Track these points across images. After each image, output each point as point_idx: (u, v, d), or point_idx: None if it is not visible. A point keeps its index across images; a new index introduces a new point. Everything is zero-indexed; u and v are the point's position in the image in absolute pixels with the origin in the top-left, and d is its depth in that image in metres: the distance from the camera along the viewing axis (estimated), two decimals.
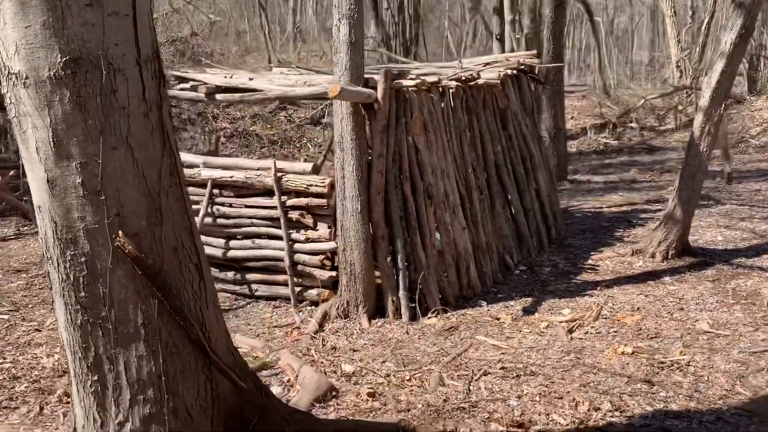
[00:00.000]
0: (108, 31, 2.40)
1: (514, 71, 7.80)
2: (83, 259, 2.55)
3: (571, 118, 19.89)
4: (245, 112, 16.40)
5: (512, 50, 10.98)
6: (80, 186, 2.47)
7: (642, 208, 9.72)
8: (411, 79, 5.85)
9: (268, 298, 6.34)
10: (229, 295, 6.51)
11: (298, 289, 6.14)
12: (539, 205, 7.99)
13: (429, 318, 5.77)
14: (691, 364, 4.58)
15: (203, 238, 6.43)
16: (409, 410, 4.05)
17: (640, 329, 5.29)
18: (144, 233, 2.59)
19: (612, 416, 3.89)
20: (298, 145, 15.51)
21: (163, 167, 2.62)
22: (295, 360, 4.77)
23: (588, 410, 3.96)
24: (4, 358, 5.07)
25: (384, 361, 4.91)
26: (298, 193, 5.99)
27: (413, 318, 5.76)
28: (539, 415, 3.94)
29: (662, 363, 4.61)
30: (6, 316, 6.07)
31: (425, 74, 6.79)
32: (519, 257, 7.36)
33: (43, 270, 7.53)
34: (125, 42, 2.45)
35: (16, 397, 4.40)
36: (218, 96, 6.30)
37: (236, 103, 7.02)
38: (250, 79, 6.39)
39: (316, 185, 5.86)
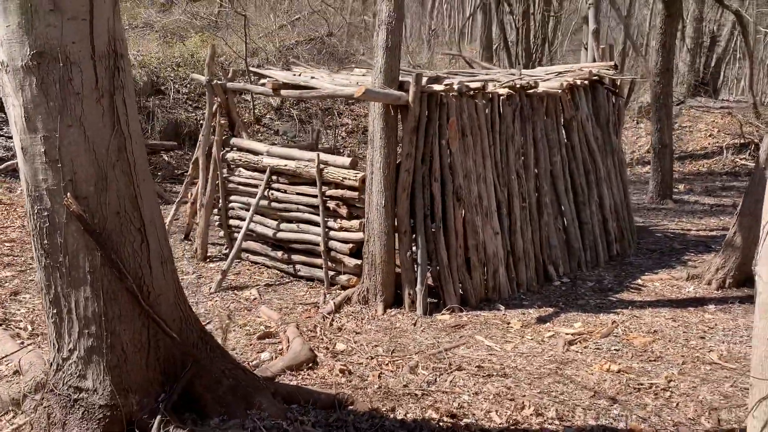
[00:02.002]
0: (66, 32, 2.99)
1: (586, 81, 7.69)
2: (46, 213, 3.18)
3: (710, 135, 18.57)
4: (367, 108, 17.18)
5: (594, 60, 10.61)
6: (43, 154, 3.09)
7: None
8: (446, 84, 6.08)
9: (308, 279, 6.87)
10: (278, 272, 7.13)
11: (331, 273, 6.60)
12: (601, 219, 7.81)
13: (442, 314, 5.99)
14: (670, 389, 4.44)
15: (259, 218, 7.13)
16: (366, 388, 4.37)
17: (645, 351, 5.15)
18: (91, 197, 3.17)
19: (550, 423, 3.95)
20: None
21: (111, 144, 3.18)
22: (294, 333, 5.24)
23: (530, 414, 4.04)
24: None
25: (376, 346, 5.24)
26: (337, 185, 6.45)
27: (427, 312, 6.01)
28: (480, 411, 4.09)
29: (641, 385, 4.52)
30: None
31: (486, 80, 6.95)
32: (566, 269, 7.29)
33: None
34: (81, 41, 3.03)
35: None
36: (282, 91, 6.91)
37: (295, 98, 7.57)
38: (312, 77, 6.95)
39: (350, 179, 6.28)
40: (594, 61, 9.50)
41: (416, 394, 4.31)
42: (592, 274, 7.26)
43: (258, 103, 16.71)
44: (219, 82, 7.44)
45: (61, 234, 3.19)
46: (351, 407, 3.99)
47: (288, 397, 3.96)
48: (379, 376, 4.62)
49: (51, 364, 3.44)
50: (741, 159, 16.96)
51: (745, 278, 6.66)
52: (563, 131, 7.51)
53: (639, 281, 6.98)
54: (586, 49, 12.37)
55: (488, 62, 18.15)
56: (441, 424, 3.90)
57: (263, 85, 7.10)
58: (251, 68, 8.46)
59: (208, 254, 7.56)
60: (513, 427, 3.89)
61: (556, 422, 3.96)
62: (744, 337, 5.46)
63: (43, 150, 3.09)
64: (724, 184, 14.08)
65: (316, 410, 3.89)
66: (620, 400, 4.28)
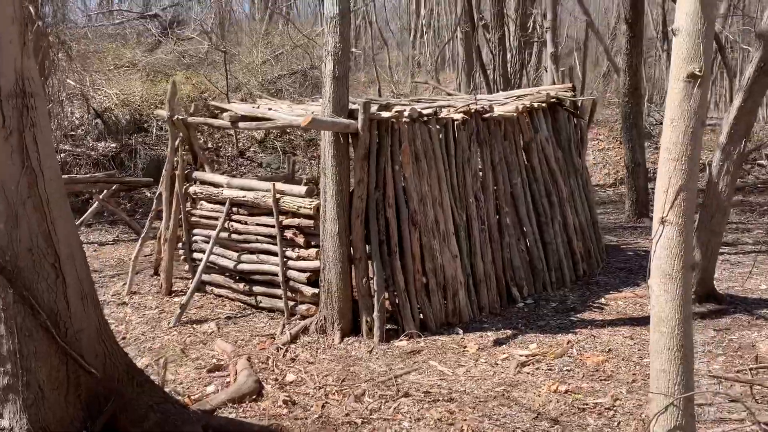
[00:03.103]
0: None
1: (544, 104, 7.76)
2: None
3: None
4: None
5: (553, 83, 10.72)
6: None
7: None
8: (396, 111, 6.14)
9: (270, 310, 6.84)
10: (241, 304, 7.12)
11: (291, 303, 6.58)
12: (566, 239, 7.81)
13: (400, 340, 5.95)
14: (614, 408, 4.40)
15: (221, 250, 7.13)
16: (306, 419, 4.33)
17: (597, 371, 5.11)
18: (2, 234, 3.19)
19: None
20: None
21: (21, 182, 3.21)
22: (244, 365, 5.21)
23: None
24: None
25: (327, 375, 5.20)
26: (294, 214, 6.47)
27: (385, 339, 5.98)
28: None
29: (586, 404, 4.48)
30: None
31: (440, 106, 7.03)
32: (531, 290, 7.26)
33: (111, 272, 8.66)
34: None
35: None
36: (240, 123, 6.97)
37: (253, 129, 7.64)
38: (269, 109, 7.02)
39: (305, 207, 6.30)
40: (554, 83, 9.62)
41: (356, 423, 4.27)
42: (557, 295, 7.23)
43: (242, 137, 16.86)
44: (180, 117, 7.52)
45: None
46: None
47: (220, 429, 3.93)
48: (323, 406, 4.58)
49: None
50: None
51: (707, 294, 6.62)
52: (523, 154, 7.55)
53: (602, 300, 6.96)
54: (546, 71, 12.53)
55: (469, 89, 18.34)
56: None
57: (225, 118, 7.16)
58: (212, 102, 8.58)
59: (174, 289, 7.55)
60: None
61: None
62: (698, 353, 5.42)
63: None
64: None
65: None
66: (562, 421, 4.23)
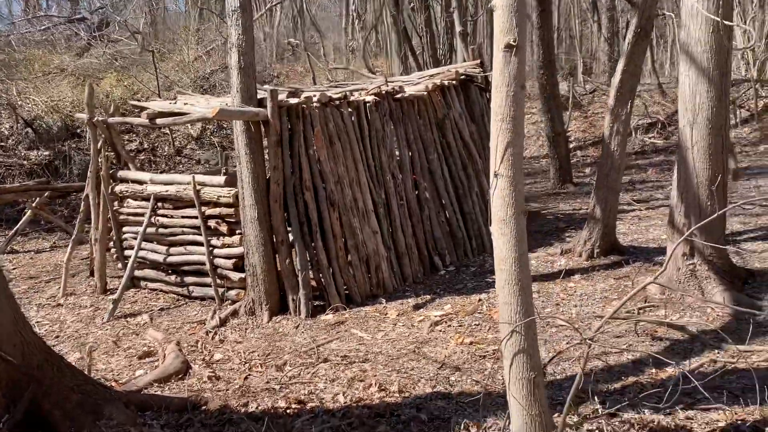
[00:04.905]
0: None
1: (454, 81, 8.14)
2: None
3: None
4: None
5: (464, 60, 11.14)
6: None
7: (621, 209, 9.62)
8: (306, 96, 6.43)
9: (202, 299, 7.08)
10: (175, 296, 7.33)
11: (222, 290, 6.84)
12: (484, 208, 8.24)
13: (326, 314, 6.28)
14: None
15: (151, 245, 7.33)
16: (228, 389, 4.63)
17: None
18: None
19: (390, 396, 4.27)
20: None
21: None
22: (172, 349, 5.46)
23: (374, 391, 4.35)
24: None
25: (253, 351, 5.49)
26: (215, 204, 6.71)
27: (312, 314, 6.30)
28: (329, 395, 4.39)
29: (486, 352, 4.89)
30: None
31: (351, 90, 7.34)
32: (453, 258, 7.67)
33: (48, 277, 8.74)
34: None
35: None
36: (158, 120, 7.15)
37: (169, 125, 7.83)
38: (185, 104, 7.22)
39: (224, 196, 6.55)
40: (464, 61, 10.02)
41: (275, 389, 4.59)
42: (477, 260, 7.66)
43: (177, 135, 16.88)
44: (100, 118, 7.64)
45: None
46: (204, 407, 4.24)
47: (142, 405, 4.19)
48: (246, 378, 4.88)
49: None
50: (649, 138, 17.84)
51: (611, 247, 7.14)
52: (437, 130, 7.93)
53: None
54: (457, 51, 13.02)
55: (400, 72, 18.68)
56: (288, 411, 4.18)
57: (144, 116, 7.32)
58: (132, 102, 8.71)
59: (109, 287, 7.70)
60: (355, 404, 4.20)
61: (397, 395, 4.29)
62: (597, 300, 5.90)
63: None
64: (630, 163, 14.77)
65: (169, 414, 4.13)
66: (463, 368, 4.63)
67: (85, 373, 4.39)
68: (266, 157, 6.42)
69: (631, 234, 8.00)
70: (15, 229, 10.33)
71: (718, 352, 4.42)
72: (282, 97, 6.42)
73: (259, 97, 6.28)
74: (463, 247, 7.83)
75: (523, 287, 2.93)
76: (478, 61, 8.42)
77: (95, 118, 7.61)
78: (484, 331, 5.40)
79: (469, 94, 8.45)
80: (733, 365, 4.18)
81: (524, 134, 2.99)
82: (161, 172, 12.79)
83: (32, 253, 10.44)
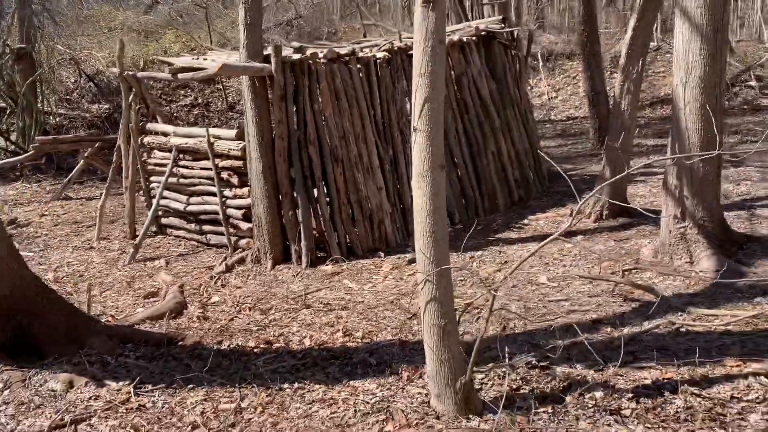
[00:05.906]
0: None
1: (474, 38, 8.06)
2: None
3: None
4: None
5: (489, 16, 10.87)
6: None
7: (652, 171, 9.36)
8: (312, 53, 6.57)
9: (218, 246, 7.47)
10: (195, 243, 7.76)
11: (234, 238, 7.20)
12: (500, 167, 8.22)
13: (326, 265, 6.53)
14: (483, 306, 4.93)
15: (174, 194, 7.75)
16: (210, 329, 4.97)
17: (486, 279, 5.63)
18: None
19: (353, 341, 4.49)
20: None
21: None
22: (175, 291, 5.86)
23: (339, 336, 4.58)
24: None
25: (248, 296, 5.82)
26: (227, 156, 7.01)
27: (312, 264, 6.56)
28: (297, 337, 4.65)
29: (459, 306, 5.00)
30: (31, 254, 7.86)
31: (362, 46, 7.42)
32: (463, 216, 7.74)
33: (90, 223, 9.37)
34: None
35: None
36: (180, 75, 7.47)
37: (188, 79, 8.14)
38: (205, 59, 7.50)
39: (234, 149, 6.84)
40: (489, 17, 9.82)
41: (252, 330, 4.89)
42: (487, 219, 7.70)
43: (231, 90, 17.37)
44: (131, 73, 8.05)
45: None
46: (180, 342, 4.59)
47: (124, 338, 4.58)
48: (231, 320, 5.21)
49: None
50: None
51: (620, 208, 7.02)
52: (454, 87, 7.92)
53: (525, 221, 7.42)
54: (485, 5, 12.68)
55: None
56: (255, 350, 4.48)
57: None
58: (159, 58, 9.11)
59: (137, 233, 8.21)
60: (318, 347, 4.45)
61: (359, 340, 4.50)
62: (591, 261, 5.88)
63: None
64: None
65: (147, 347, 4.50)
66: None
67: (76, 306, 4.81)
68: (272, 112, 6.63)
69: (650, 196, 7.82)
70: (69, 177, 11.05)
71: (681, 315, 4.39)
72: (288, 53, 6.58)
73: (265, 53, 6.47)
74: (474, 205, 7.87)
75: (437, 239, 3.05)
76: (501, 17, 8.28)
77: (125, 73, 8.01)
78: (467, 286, 5.52)
79: (491, 52, 8.35)
80: (688, 327, 4.16)
81: (444, 89, 3.05)
82: (211, 126, 13.27)
83: (83, 200, 11.15)
